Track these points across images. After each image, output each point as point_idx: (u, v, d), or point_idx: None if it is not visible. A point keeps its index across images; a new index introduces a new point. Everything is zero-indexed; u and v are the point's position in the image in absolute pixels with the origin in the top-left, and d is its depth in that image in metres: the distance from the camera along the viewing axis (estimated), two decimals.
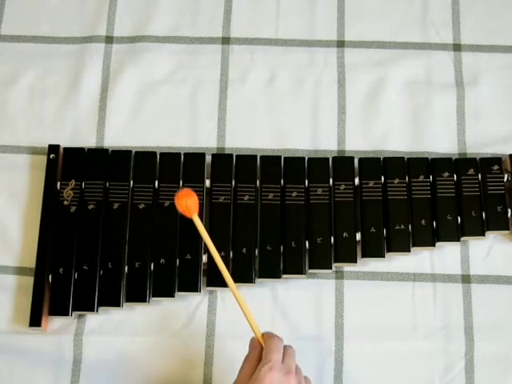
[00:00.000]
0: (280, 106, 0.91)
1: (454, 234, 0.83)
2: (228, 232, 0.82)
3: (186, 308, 0.83)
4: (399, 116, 0.90)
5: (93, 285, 0.80)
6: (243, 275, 0.81)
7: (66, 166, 0.85)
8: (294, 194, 0.84)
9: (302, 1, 0.95)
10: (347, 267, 0.84)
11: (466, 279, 0.84)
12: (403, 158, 0.86)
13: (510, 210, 0.83)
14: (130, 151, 0.86)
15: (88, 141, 0.89)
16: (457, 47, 0.93)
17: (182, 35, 0.94)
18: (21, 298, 0.83)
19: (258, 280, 0.82)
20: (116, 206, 0.83)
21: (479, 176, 0.84)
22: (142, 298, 0.80)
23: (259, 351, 0.68)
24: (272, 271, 0.81)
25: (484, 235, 0.83)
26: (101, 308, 0.81)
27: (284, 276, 0.82)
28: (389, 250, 0.82)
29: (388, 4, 0.95)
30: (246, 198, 0.83)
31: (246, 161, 0.85)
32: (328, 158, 0.86)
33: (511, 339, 0.81)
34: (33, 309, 0.79)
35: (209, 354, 0.81)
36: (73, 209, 0.83)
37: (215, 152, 0.88)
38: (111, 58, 0.92)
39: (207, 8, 0.95)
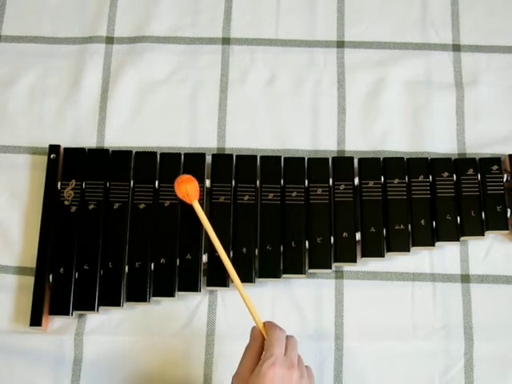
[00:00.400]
0: (280, 105, 0.91)
1: (454, 233, 0.83)
2: (228, 232, 0.82)
3: (186, 308, 0.83)
4: (399, 116, 0.90)
5: (93, 284, 0.80)
6: (243, 275, 0.80)
7: (67, 166, 0.85)
8: (294, 193, 0.84)
9: (302, 1, 0.95)
10: (347, 267, 0.84)
11: (465, 279, 0.84)
12: (403, 158, 0.86)
13: (509, 210, 0.83)
14: (131, 151, 0.86)
15: (88, 141, 0.89)
16: (456, 47, 0.93)
17: (182, 35, 0.94)
18: (21, 298, 0.83)
19: (258, 280, 0.82)
20: (116, 205, 0.83)
21: (479, 176, 0.85)
22: (142, 298, 0.80)
23: (261, 342, 0.67)
24: (272, 271, 0.82)
25: (483, 235, 0.83)
26: (101, 308, 0.81)
27: (284, 276, 0.82)
28: (388, 250, 0.82)
29: (388, 4, 0.95)
30: (246, 198, 0.84)
31: (246, 161, 0.86)
32: (328, 158, 0.86)
33: (511, 339, 0.81)
34: (33, 308, 0.80)
35: (209, 354, 0.81)
36: (73, 209, 0.83)
37: (215, 152, 0.88)
38: (112, 59, 0.93)
39: (207, 8, 0.95)
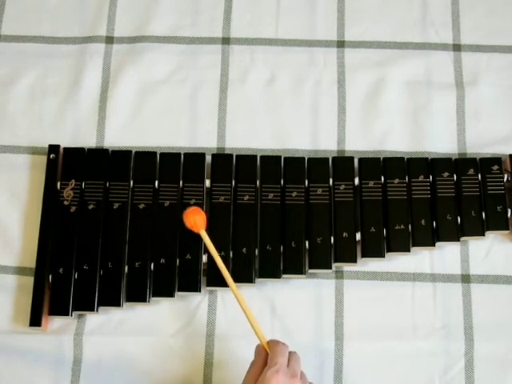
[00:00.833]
0: (280, 105, 0.91)
1: (454, 233, 0.83)
2: (228, 232, 0.82)
3: (186, 308, 0.83)
4: (399, 116, 0.90)
5: (93, 285, 0.80)
6: (243, 275, 0.81)
7: (66, 166, 0.85)
8: (294, 194, 0.84)
9: (302, 1, 0.95)
10: (347, 267, 0.84)
11: (465, 279, 0.84)
12: (403, 158, 0.86)
13: (509, 210, 0.83)
14: (130, 151, 0.86)
15: (88, 141, 0.89)
16: (456, 47, 0.93)
17: (182, 35, 0.94)
18: (21, 298, 0.83)
19: (258, 280, 0.82)
20: (116, 205, 0.83)
21: (479, 176, 0.84)
22: (142, 298, 0.80)
23: (264, 357, 0.69)
24: (272, 271, 0.81)
25: (484, 235, 0.83)
26: (101, 308, 0.81)
27: (284, 276, 0.82)
28: (389, 250, 0.82)
29: (388, 4, 0.95)
30: (246, 198, 0.84)
31: (246, 161, 0.86)
32: (328, 158, 0.86)
33: (511, 339, 0.81)
34: (33, 308, 0.79)
35: (209, 354, 0.81)
36: (73, 209, 0.83)
37: (215, 152, 0.88)
38: (111, 58, 0.92)
39: (207, 8, 0.95)
